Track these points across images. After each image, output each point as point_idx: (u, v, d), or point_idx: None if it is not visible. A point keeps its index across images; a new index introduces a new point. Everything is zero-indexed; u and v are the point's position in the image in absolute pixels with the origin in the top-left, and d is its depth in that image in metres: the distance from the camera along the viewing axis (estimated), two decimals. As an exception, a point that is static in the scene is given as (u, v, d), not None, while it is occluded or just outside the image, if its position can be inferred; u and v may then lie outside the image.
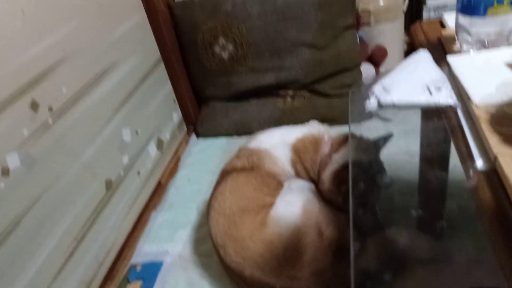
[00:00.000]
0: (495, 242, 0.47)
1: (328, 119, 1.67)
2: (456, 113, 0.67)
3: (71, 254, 1.17)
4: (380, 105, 0.80)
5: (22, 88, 1.03)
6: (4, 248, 0.95)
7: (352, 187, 1.11)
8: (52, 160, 1.12)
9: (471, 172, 0.57)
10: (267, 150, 1.30)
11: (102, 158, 1.34)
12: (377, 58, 2.02)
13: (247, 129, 1.89)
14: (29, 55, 1.06)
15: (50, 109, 1.12)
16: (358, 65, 1.84)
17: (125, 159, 1.48)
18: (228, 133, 1.95)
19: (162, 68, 1.81)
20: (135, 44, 1.59)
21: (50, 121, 1.12)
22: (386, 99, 0.78)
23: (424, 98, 0.74)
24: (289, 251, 1.05)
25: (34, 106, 1.07)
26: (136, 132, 1.56)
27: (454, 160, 1.08)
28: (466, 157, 0.59)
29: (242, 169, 1.28)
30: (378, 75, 2.07)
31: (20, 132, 1.02)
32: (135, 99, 1.56)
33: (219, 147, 1.91)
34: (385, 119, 1.90)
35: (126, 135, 1.49)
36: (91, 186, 1.28)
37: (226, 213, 1.17)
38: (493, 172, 0.54)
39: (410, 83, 0.83)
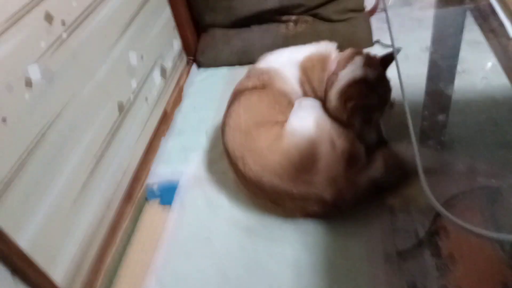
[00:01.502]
0: None
1: (331, 44, 1.68)
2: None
3: (92, 172, 1.21)
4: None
5: (35, -3, 1.01)
6: (33, 161, 0.97)
7: (358, 103, 1.16)
8: (69, 75, 1.12)
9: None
10: (277, 69, 1.32)
11: (113, 80, 1.34)
12: (378, -17, 1.99)
13: (249, 57, 1.88)
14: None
15: (63, 23, 1.10)
16: (361, -11, 1.82)
17: (134, 84, 1.48)
18: (230, 62, 1.94)
19: (161, -8, 1.76)
20: (134, -37, 1.54)
21: (64, 35, 1.10)
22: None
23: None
24: (305, 159, 1.11)
25: (48, 18, 1.04)
26: (142, 57, 1.55)
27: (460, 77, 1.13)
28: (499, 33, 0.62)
29: (254, 88, 1.30)
30: (377, 2, 2.06)
31: (38, 44, 1.01)
32: (138, 22, 1.53)
33: (221, 76, 1.91)
34: (386, 45, 1.93)
35: (133, 58, 1.48)
36: (105, 107, 1.29)
37: (242, 128, 1.21)
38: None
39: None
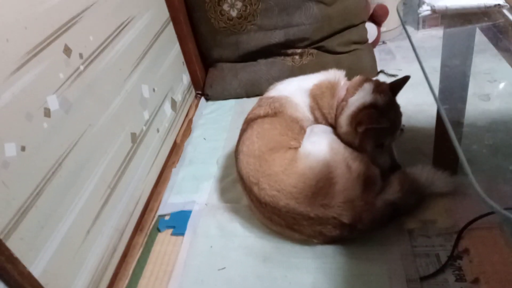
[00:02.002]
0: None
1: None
2: (503, 12, 0.73)
3: (106, 201, 1.20)
4: (433, 10, 0.85)
5: (55, 31, 1.04)
6: (50, 190, 0.97)
7: (369, 128, 1.18)
8: (85, 105, 1.14)
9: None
10: (287, 97, 1.34)
11: (127, 111, 1.36)
12: (379, 17, 2.06)
13: (256, 90, 1.92)
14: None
15: (81, 56, 1.14)
16: (364, 22, 1.89)
17: (146, 115, 1.50)
18: (237, 95, 1.98)
19: (171, 27, 1.82)
20: (147, 0, 1.61)
21: (81, 67, 1.14)
22: (439, 4, 0.82)
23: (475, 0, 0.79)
24: (321, 182, 1.11)
25: (67, 51, 1.08)
26: (154, 90, 1.58)
27: (471, 99, 1.15)
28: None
29: (266, 116, 1.32)
30: (379, 35, 2.12)
31: (57, 76, 1.04)
32: (150, 57, 1.58)
33: (229, 108, 1.94)
34: (391, 75, 1.97)
35: (145, 91, 1.51)
36: (119, 137, 1.30)
37: (256, 154, 1.22)
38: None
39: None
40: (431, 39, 2.14)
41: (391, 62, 1.99)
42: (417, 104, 1.60)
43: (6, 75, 0.89)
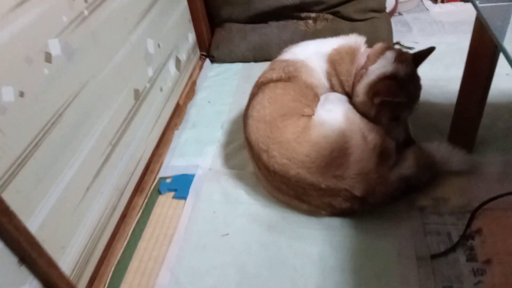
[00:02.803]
0: None
1: (353, 42, 1.63)
2: None
3: (107, 159, 1.14)
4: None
5: (59, -31, 0.95)
6: (49, 142, 0.90)
7: (386, 99, 1.12)
8: (88, 54, 1.06)
9: None
10: (303, 61, 1.27)
11: (131, 65, 1.28)
12: (398, -14, 1.96)
13: (265, 54, 1.84)
14: None
15: (86, 0, 1.05)
16: (383, -11, 1.79)
17: (150, 72, 1.42)
18: (245, 58, 1.89)
19: (180, -19, 1.71)
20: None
21: (86, 12, 1.05)
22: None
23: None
24: (335, 152, 1.06)
25: (71, -8, 0.99)
26: (159, 45, 1.49)
27: (496, 81, 1.09)
28: None
29: (279, 80, 1.25)
30: (396, 4, 2.03)
31: (60, 19, 0.95)
32: (157, 10, 1.48)
33: (236, 71, 1.86)
34: (408, 48, 1.89)
35: (150, 46, 1.43)
36: (122, 92, 1.23)
37: (267, 119, 1.16)
38: None
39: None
40: (450, 14, 2.06)
41: (407, 34, 1.91)
42: (433, 79, 1.54)
43: (3, 11, 0.80)
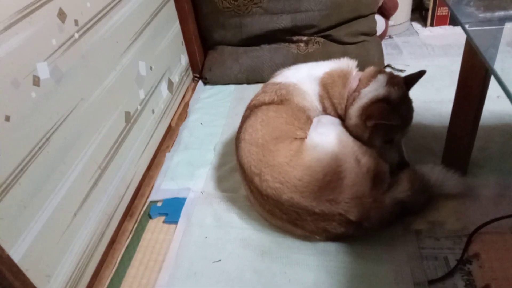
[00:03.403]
0: None
1: (344, 65, 1.64)
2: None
3: (95, 183, 1.11)
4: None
5: (50, -8, 0.95)
6: (35, 167, 0.88)
7: (379, 123, 1.11)
8: (78, 77, 1.04)
9: None
10: (295, 84, 1.27)
11: (122, 88, 1.27)
12: (388, 9, 2.00)
13: (258, 76, 1.85)
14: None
15: (76, 23, 1.04)
16: (373, 13, 1.82)
17: (142, 94, 1.41)
18: (238, 80, 1.89)
19: (172, 4, 1.72)
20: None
21: (76, 35, 1.04)
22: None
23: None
24: (328, 176, 1.04)
25: (62, 15, 0.98)
26: (151, 68, 1.49)
27: (488, 103, 1.10)
28: None
29: (271, 103, 1.24)
30: (387, 28, 2.06)
31: (49, 42, 0.94)
32: (149, 32, 1.48)
33: (228, 93, 1.86)
34: (399, 70, 1.91)
35: (142, 68, 1.42)
36: (112, 115, 1.21)
37: (259, 142, 1.14)
38: None
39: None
40: (439, 37, 2.09)
41: (398, 57, 1.93)
42: (425, 101, 1.55)
43: (-9, 34, 0.79)
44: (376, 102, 1.14)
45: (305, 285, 1.00)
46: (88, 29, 1.10)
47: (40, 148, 0.90)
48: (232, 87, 1.90)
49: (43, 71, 0.92)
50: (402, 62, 1.86)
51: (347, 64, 1.26)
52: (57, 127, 0.96)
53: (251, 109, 1.26)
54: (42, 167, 0.91)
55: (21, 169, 0.84)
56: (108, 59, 1.21)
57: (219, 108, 1.76)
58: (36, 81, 0.90)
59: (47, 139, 0.93)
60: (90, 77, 1.11)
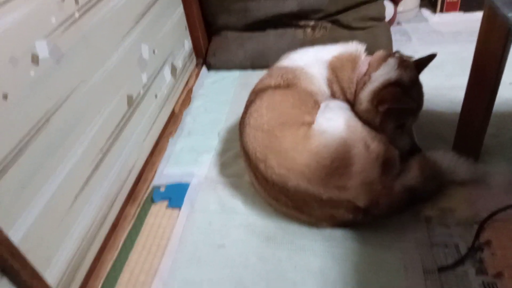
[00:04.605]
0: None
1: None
2: None
3: (97, 167, 1.09)
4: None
5: (49, -32, 0.91)
6: (34, 147, 0.85)
7: (392, 107, 1.08)
8: (79, 58, 1.02)
9: None
10: (303, 68, 1.23)
11: (124, 71, 1.24)
12: (397, -6, 1.95)
13: (263, 62, 1.80)
14: None
15: (77, 1, 1.01)
16: (382, -3, 1.77)
17: (144, 78, 1.38)
18: (242, 66, 1.85)
19: (176, -13, 1.69)
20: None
21: (76, 14, 1.01)
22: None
23: None
24: (336, 162, 1.01)
25: (62, -8, 0.95)
26: (154, 51, 1.46)
27: (501, 90, 1.06)
28: None
29: (277, 87, 1.21)
30: (395, 14, 2.01)
31: (49, 19, 0.91)
32: (152, 15, 1.45)
33: (233, 79, 1.82)
34: (408, 57, 1.87)
35: (145, 51, 1.39)
36: (114, 98, 1.18)
37: (265, 128, 1.11)
38: None
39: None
40: (449, 24, 2.04)
41: (407, 44, 1.89)
42: (435, 88, 1.51)
43: (-12, 8, 0.76)
44: (388, 86, 1.10)
45: (311, 272, 0.98)
46: (89, 9, 1.07)
47: (39, 128, 0.87)
48: (236, 73, 1.86)
49: (42, 49, 0.89)
50: (411, 49, 1.81)
51: (356, 47, 1.22)
52: (57, 108, 0.93)
53: (257, 93, 1.23)
54: (42, 148, 0.88)
55: (20, 149, 0.82)
56: (109, 41, 1.18)
57: (223, 94, 1.73)
58: (35, 59, 0.87)
59: (47, 120, 0.90)
60: (91, 59, 1.08)
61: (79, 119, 1.02)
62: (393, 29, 1.99)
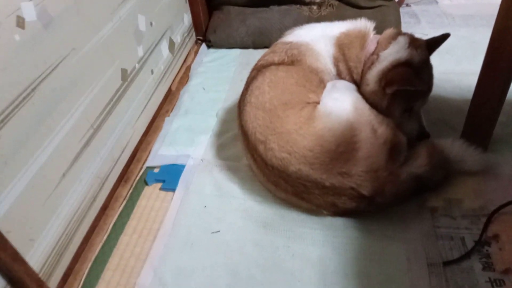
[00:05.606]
0: None
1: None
2: None
3: (87, 143, 1.03)
4: None
5: None
6: (19, 118, 0.79)
7: (400, 89, 1.02)
8: (69, 24, 0.94)
9: None
10: (308, 44, 1.16)
11: (119, 41, 1.17)
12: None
13: (265, 40, 1.72)
14: None
15: (68, -39, 0.93)
16: (393, -24, 1.69)
17: (140, 51, 1.31)
18: (244, 44, 1.77)
19: (177, -43, 1.59)
20: None
21: (68, -24, 0.93)
22: None
23: None
24: (342, 146, 0.95)
25: (51, -50, 0.87)
26: (151, 24, 1.38)
27: None
28: None
29: (281, 63, 1.14)
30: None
31: (36, -22, 0.84)
32: (151, -15, 1.37)
33: (233, 57, 1.74)
34: (423, 34, 1.78)
35: (141, 23, 1.31)
36: (108, 70, 1.11)
37: (266, 107, 1.05)
38: None
39: None
40: (460, 7, 1.96)
41: (416, 26, 1.81)
42: (444, 73, 1.43)
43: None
44: (398, 66, 1.04)
45: (309, 261, 0.93)
46: (81, -29, 0.99)
47: (24, 98, 0.81)
48: (237, 51, 1.78)
49: (28, 12, 0.81)
50: (420, 31, 1.73)
51: (365, 24, 1.16)
52: (44, 76, 0.86)
53: (258, 69, 1.16)
54: (27, 119, 0.82)
55: (2, 120, 0.75)
56: (104, 8, 1.10)
57: (223, 73, 1.66)
58: (21, 22, 0.79)
59: (33, 89, 0.83)
60: (83, 26, 1.00)
61: (69, 91, 0.95)
62: (402, 10, 1.91)
